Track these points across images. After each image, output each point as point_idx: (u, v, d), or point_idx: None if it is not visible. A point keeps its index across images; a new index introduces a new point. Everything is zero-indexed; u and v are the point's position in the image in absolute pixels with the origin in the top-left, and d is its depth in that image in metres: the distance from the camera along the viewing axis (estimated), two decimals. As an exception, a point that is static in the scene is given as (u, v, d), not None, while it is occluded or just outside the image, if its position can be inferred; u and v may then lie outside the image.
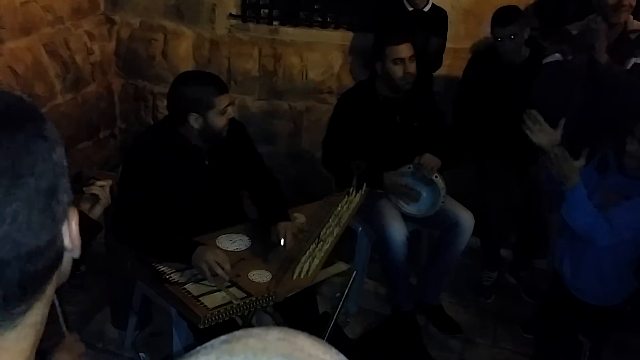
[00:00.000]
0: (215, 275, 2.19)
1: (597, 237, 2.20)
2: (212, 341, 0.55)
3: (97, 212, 1.88)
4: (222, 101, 2.37)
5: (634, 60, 2.72)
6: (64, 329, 1.54)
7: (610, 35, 2.77)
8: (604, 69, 2.68)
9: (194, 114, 2.36)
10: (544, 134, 2.20)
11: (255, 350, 0.52)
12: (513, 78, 3.09)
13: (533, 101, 2.96)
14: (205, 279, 2.20)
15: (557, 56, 2.89)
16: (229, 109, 2.42)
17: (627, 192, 2.21)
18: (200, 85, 2.40)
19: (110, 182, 2.03)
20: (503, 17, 3.09)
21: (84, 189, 1.89)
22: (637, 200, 2.17)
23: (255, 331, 0.56)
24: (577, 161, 2.18)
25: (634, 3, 2.75)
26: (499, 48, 3.15)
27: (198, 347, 0.55)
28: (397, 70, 2.97)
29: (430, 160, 2.92)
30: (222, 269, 2.19)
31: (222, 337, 0.55)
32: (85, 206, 1.85)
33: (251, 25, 4.03)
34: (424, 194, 3.02)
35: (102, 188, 1.98)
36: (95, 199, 1.88)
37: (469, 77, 3.40)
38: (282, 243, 2.34)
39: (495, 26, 3.12)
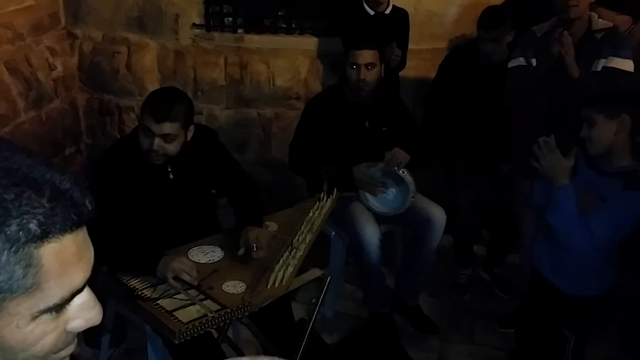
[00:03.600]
0: (182, 283, 2.17)
1: (577, 243, 2.23)
2: None
3: None
4: (146, 120, 2.27)
5: (602, 62, 2.67)
6: None
7: (574, 32, 2.74)
8: (574, 79, 2.66)
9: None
10: (556, 162, 2.20)
11: None
12: (489, 78, 3.07)
13: (504, 104, 2.98)
14: (178, 293, 2.17)
15: (521, 60, 2.85)
16: (155, 140, 2.26)
17: (602, 192, 2.23)
18: (153, 94, 2.39)
19: None
20: (491, 20, 3.06)
21: None
22: (613, 202, 2.19)
23: (245, 359, 0.58)
24: (567, 160, 2.20)
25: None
26: (480, 48, 3.14)
27: None
28: (353, 75, 2.98)
29: (399, 153, 2.94)
30: (189, 275, 2.18)
31: None
32: None
33: (216, 34, 4.00)
34: (394, 191, 3.04)
35: None
36: None
37: (445, 73, 3.39)
38: (254, 249, 2.32)
39: (481, 28, 3.10)
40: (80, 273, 0.65)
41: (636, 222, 2.19)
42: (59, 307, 0.64)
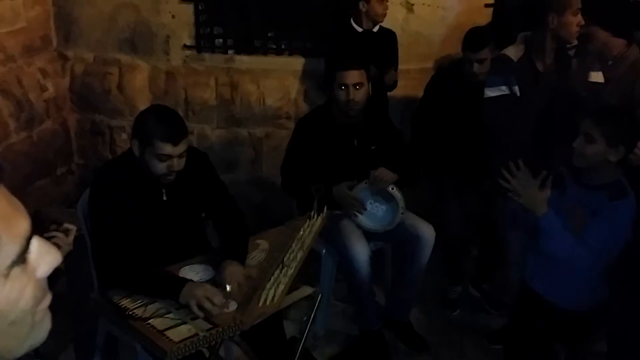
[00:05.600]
0: (205, 311, 2.13)
1: (578, 260, 2.26)
2: None
3: None
4: (163, 147, 2.27)
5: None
6: None
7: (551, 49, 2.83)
8: (559, 96, 2.73)
9: (136, 140, 2.34)
10: (535, 194, 2.24)
11: None
12: (475, 98, 3.09)
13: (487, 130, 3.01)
14: (169, 312, 2.18)
15: (504, 89, 2.86)
16: (175, 161, 2.30)
17: (592, 206, 2.26)
18: (155, 119, 2.33)
19: (75, 228, 1.99)
20: (474, 42, 3.12)
21: (45, 234, 1.84)
22: (604, 214, 2.23)
23: None
24: (544, 192, 2.24)
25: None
26: (465, 68, 3.20)
27: None
28: (342, 96, 3.00)
29: (383, 173, 2.96)
30: (212, 303, 2.13)
31: None
32: None
33: (206, 55, 4.05)
34: (384, 209, 3.06)
35: (64, 234, 1.93)
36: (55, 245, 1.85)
37: (431, 93, 3.44)
38: (227, 289, 2.27)
39: (466, 50, 3.16)
40: (23, 220, 0.69)
41: (628, 232, 2.24)
42: (22, 257, 0.68)
